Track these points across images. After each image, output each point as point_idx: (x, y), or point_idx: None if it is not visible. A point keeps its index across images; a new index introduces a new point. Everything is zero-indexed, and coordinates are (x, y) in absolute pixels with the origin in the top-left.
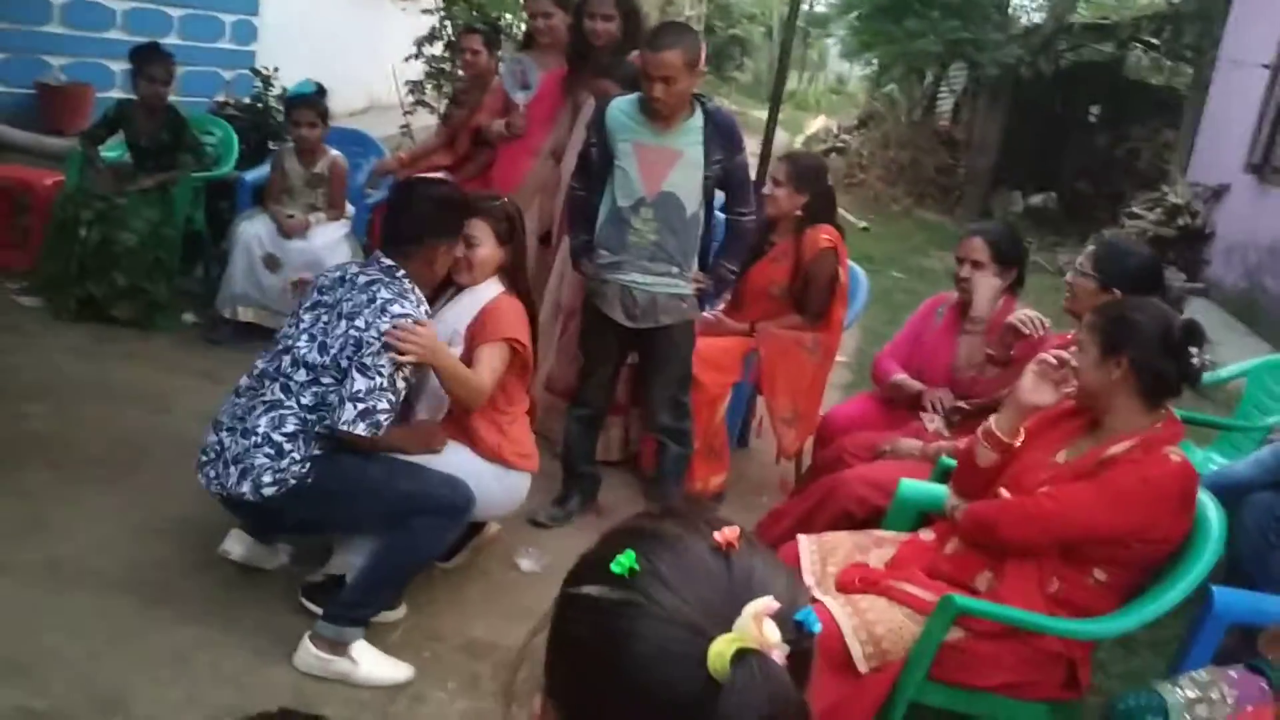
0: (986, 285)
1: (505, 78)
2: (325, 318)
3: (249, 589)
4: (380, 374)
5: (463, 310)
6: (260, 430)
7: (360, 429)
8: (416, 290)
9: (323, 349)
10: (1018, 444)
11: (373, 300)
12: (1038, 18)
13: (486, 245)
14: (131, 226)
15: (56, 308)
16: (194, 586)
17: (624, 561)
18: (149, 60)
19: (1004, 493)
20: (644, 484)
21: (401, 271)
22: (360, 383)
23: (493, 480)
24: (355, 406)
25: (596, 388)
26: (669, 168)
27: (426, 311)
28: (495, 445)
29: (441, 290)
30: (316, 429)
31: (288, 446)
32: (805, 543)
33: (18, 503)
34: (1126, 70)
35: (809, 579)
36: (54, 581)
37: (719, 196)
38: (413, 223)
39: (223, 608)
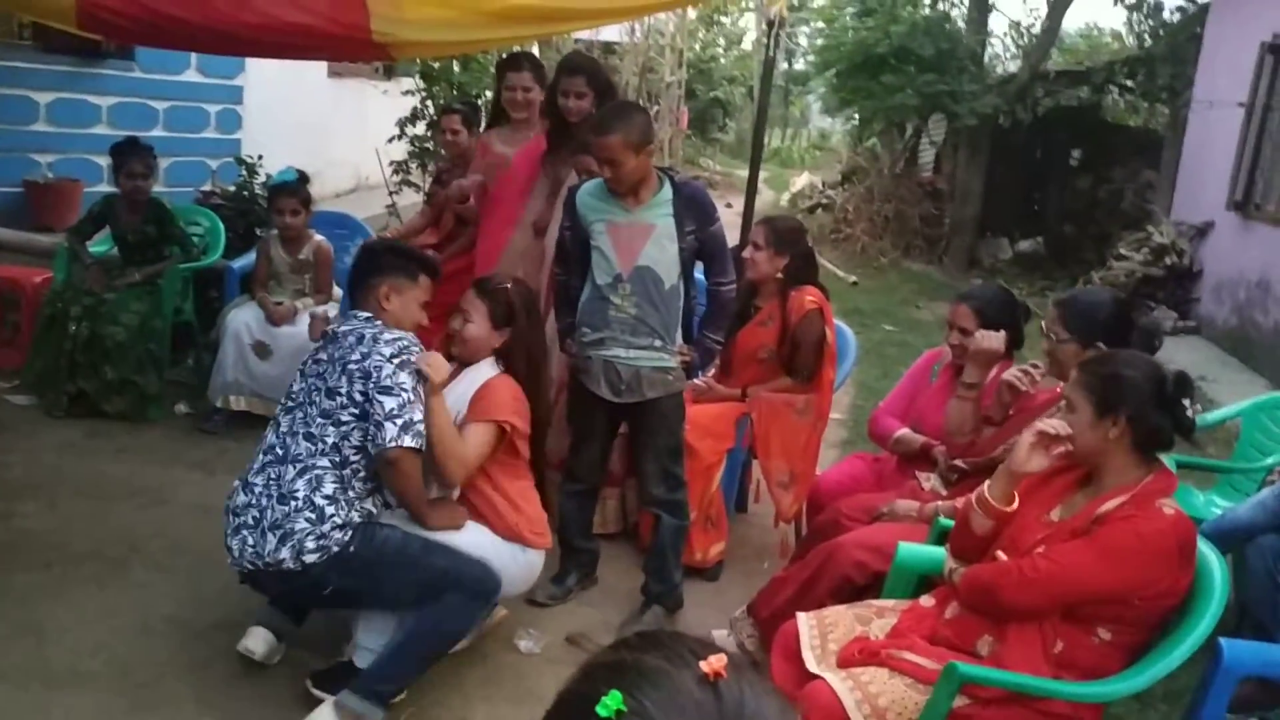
0: (980, 349)
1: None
2: (327, 370)
3: (246, 686)
4: (404, 390)
5: (463, 390)
6: (300, 494)
7: (408, 441)
8: (397, 330)
9: (331, 394)
10: (1011, 510)
11: (362, 338)
12: (1013, 67)
13: (478, 324)
14: (120, 320)
15: (48, 405)
16: (189, 686)
17: (610, 704)
18: (127, 156)
19: (1001, 555)
20: (642, 556)
21: (378, 320)
22: (389, 402)
23: (510, 559)
24: (395, 423)
25: (586, 463)
26: (643, 242)
27: (417, 344)
28: (513, 523)
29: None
30: (354, 483)
31: (329, 510)
32: (805, 621)
33: (10, 605)
34: (1104, 113)
35: (809, 656)
36: (47, 685)
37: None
38: (361, 272)
39: (221, 705)
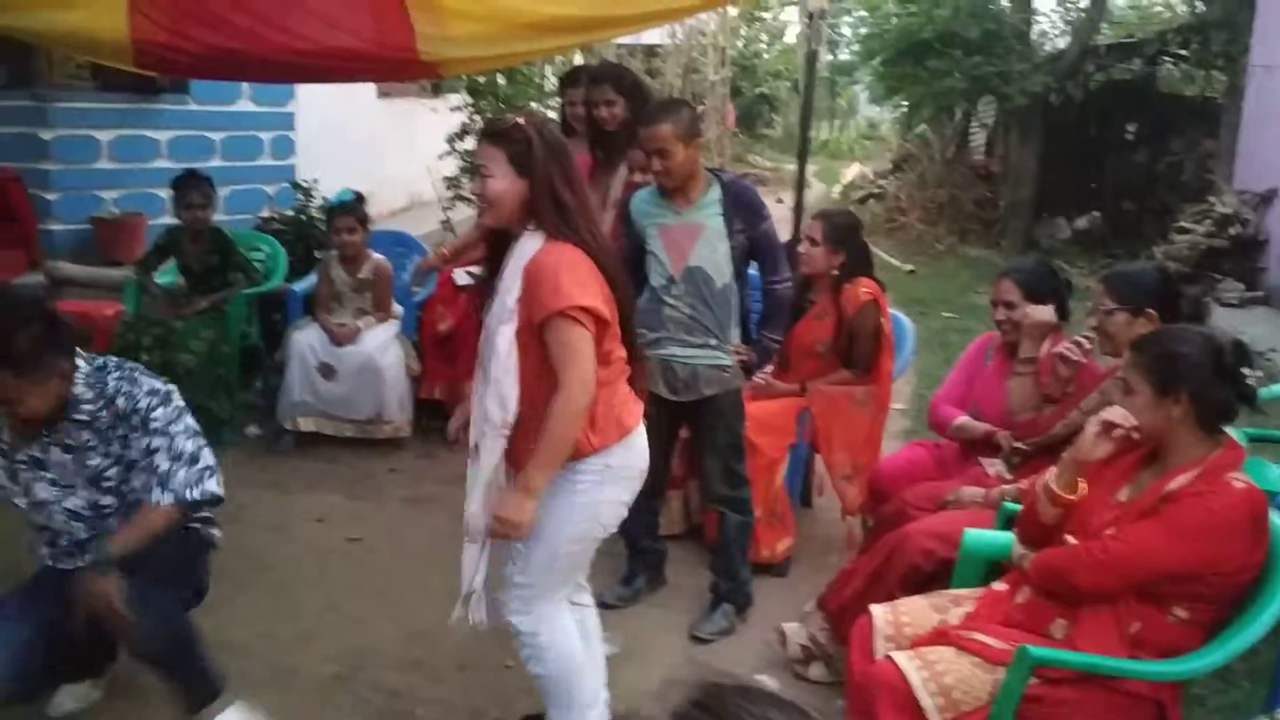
0: (1034, 322)
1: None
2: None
3: (316, 700)
4: (169, 434)
5: (510, 277)
6: None
7: (212, 485)
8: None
9: (92, 479)
10: (1078, 497)
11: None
12: (1062, 43)
13: (499, 176)
14: (190, 348)
15: None
16: (273, 702)
17: None
18: (185, 189)
19: (1070, 538)
20: (708, 556)
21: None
22: (163, 459)
23: (606, 487)
24: (182, 476)
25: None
26: (693, 243)
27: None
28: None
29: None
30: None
31: None
32: (880, 612)
33: None
34: (1159, 84)
35: (881, 647)
36: (134, 702)
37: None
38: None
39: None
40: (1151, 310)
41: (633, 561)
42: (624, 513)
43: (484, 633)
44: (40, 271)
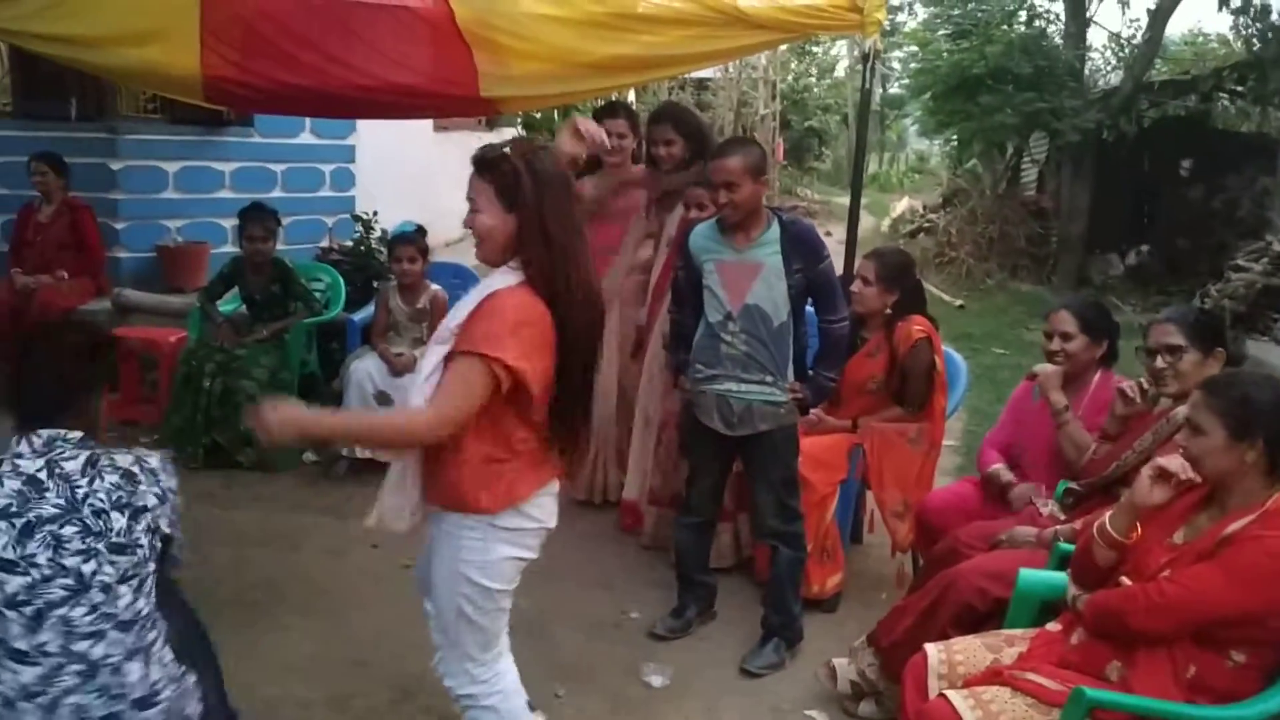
0: (1050, 380)
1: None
2: (68, 530)
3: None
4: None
5: (467, 301)
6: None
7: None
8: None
9: (117, 549)
10: (1133, 541)
11: (124, 473)
12: (1115, 79)
13: (487, 210)
14: (251, 375)
15: (186, 457)
16: None
17: None
18: (248, 222)
19: (1125, 580)
20: (758, 590)
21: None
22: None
23: (493, 546)
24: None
25: (703, 495)
26: (751, 281)
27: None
28: (473, 498)
29: None
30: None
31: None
32: (934, 651)
33: None
34: (1213, 121)
35: (934, 685)
36: None
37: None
38: (64, 385)
39: None
40: (1221, 350)
41: (684, 594)
42: (520, 567)
43: (537, 661)
44: (107, 298)
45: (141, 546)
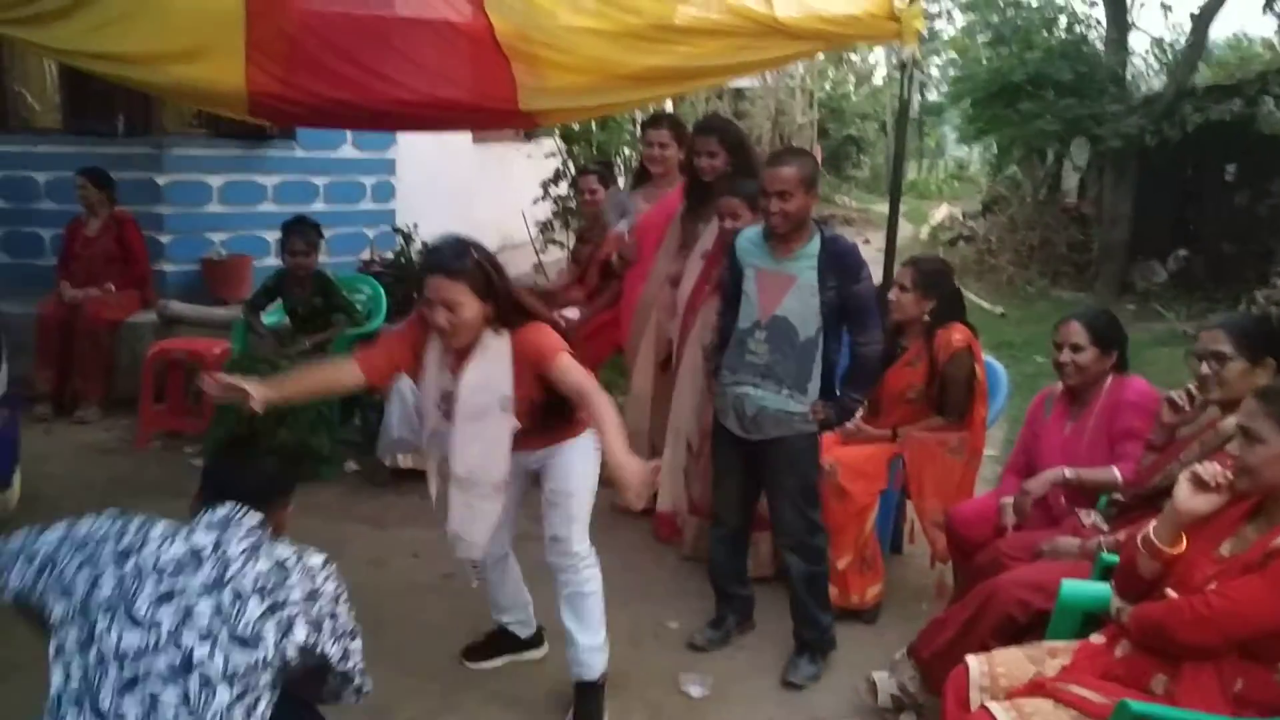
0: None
1: (608, 211)
2: (203, 606)
3: None
4: (346, 635)
5: (493, 375)
6: None
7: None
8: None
9: (238, 643)
10: (1179, 552)
11: (277, 562)
12: (1158, 84)
13: (469, 306)
14: None
15: None
16: None
17: None
18: (290, 234)
19: (1170, 593)
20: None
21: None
22: (345, 660)
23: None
24: (351, 684)
25: (728, 503)
26: (783, 293)
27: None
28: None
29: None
30: None
31: None
32: (975, 662)
33: None
34: (1259, 125)
35: (976, 697)
36: None
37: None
38: (267, 479)
39: None
40: (1271, 360)
41: (721, 604)
42: None
43: None
44: (153, 310)
45: (265, 643)
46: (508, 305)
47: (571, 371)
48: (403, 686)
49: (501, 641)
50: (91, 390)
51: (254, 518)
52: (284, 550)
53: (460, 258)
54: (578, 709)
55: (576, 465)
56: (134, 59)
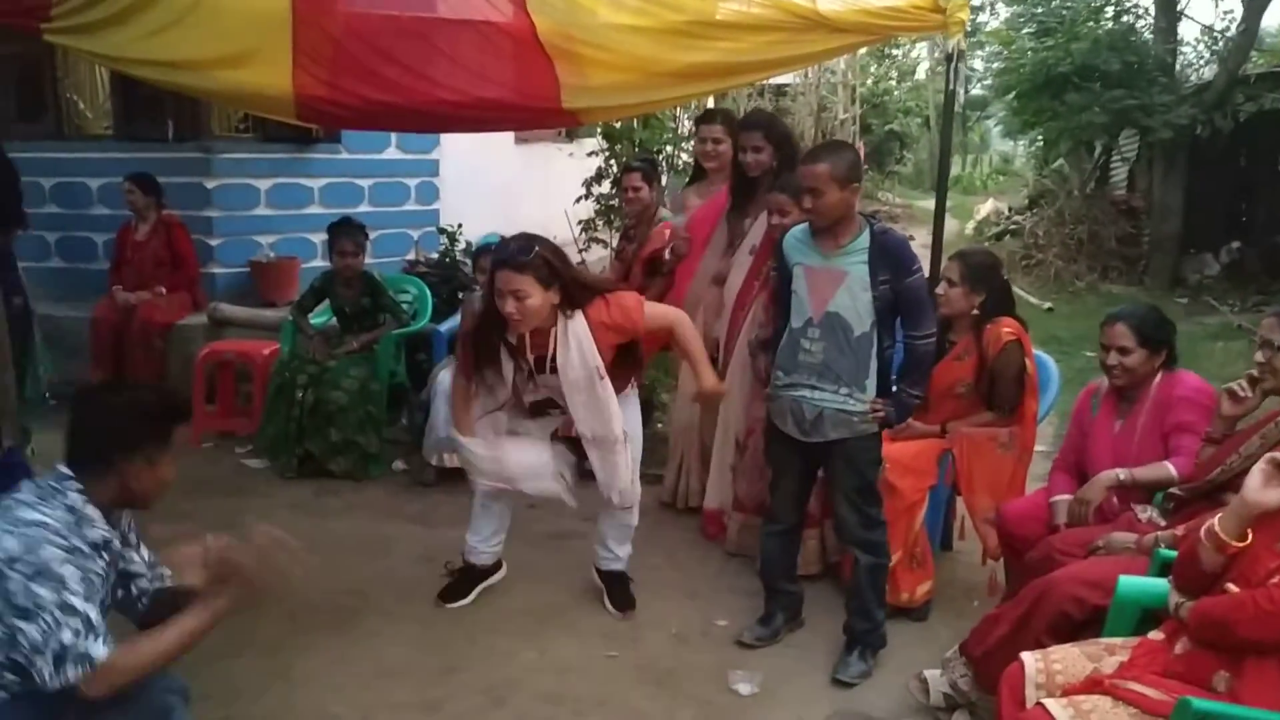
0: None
1: (669, 206)
2: None
3: None
4: (44, 608)
5: (578, 354)
6: None
7: (72, 675)
8: (91, 508)
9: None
10: (1245, 545)
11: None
12: (1208, 74)
13: (535, 295)
14: (342, 386)
15: (279, 467)
16: None
17: None
18: (338, 236)
19: (1231, 587)
20: (845, 596)
21: (77, 486)
22: (31, 632)
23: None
24: (44, 658)
25: (784, 502)
26: (834, 288)
27: (105, 537)
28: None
29: (531, 347)
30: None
31: None
32: (1031, 659)
33: (260, 655)
34: None
35: (1032, 694)
36: None
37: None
38: (98, 437)
39: None
40: None
41: (770, 601)
42: None
43: (625, 669)
44: (204, 313)
45: None
46: (574, 288)
47: (656, 316)
48: (452, 681)
49: (469, 575)
50: None
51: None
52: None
53: (525, 252)
54: (613, 591)
55: (630, 415)
56: (184, 65)
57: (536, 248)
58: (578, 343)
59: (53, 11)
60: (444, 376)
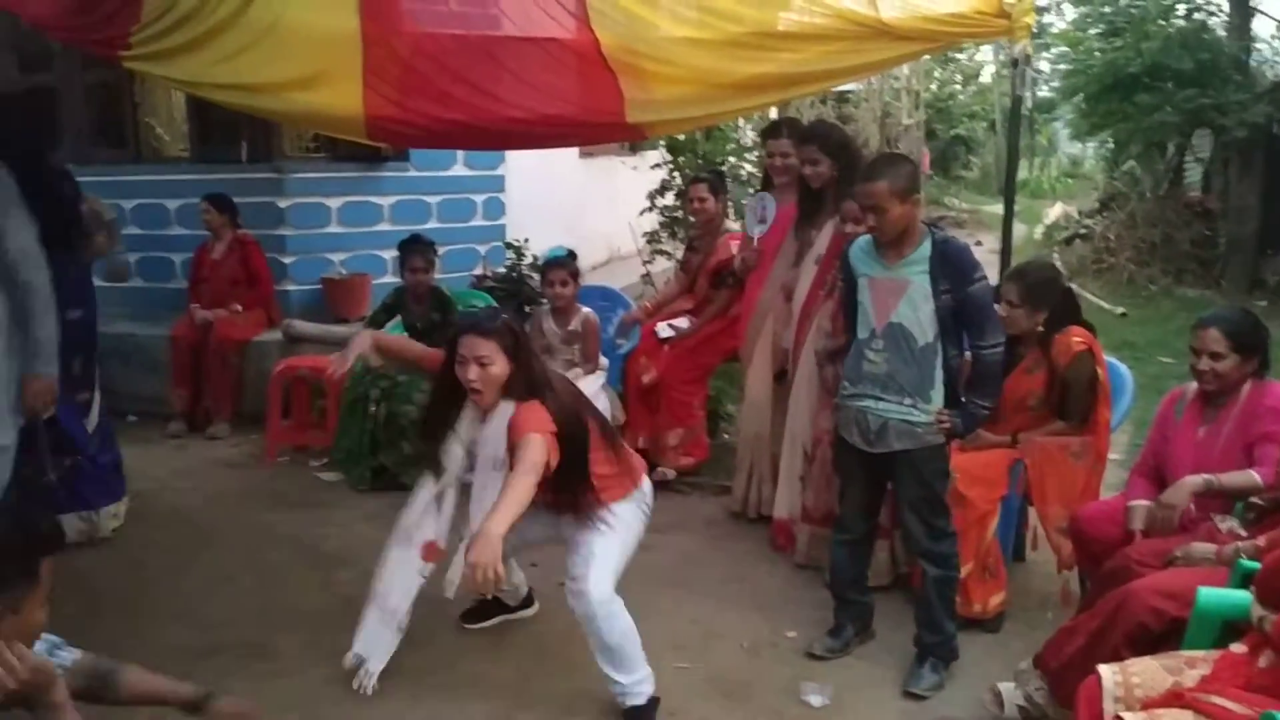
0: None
1: (747, 214)
2: None
3: None
4: None
5: (495, 437)
6: None
7: None
8: None
9: None
10: None
11: None
12: None
13: (498, 363)
14: (414, 399)
15: (354, 479)
16: None
17: None
18: (409, 253)
19: None
20: (915, 608)
21: None
22: None
23: (632, 521)
24: None
25: (853, 512)
26: (897, 299)
27: None
28: (601, 502)
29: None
30: None
31: None
32: (1108, 672)
33: (338, 663)
34: None
35: (1110, 708)
36: None
37: None
38: None
39: None
40: None
41: (840, 613)
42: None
43: (696, 680)
44: (278, 329)
45: None
46: (527, 370)
47: (530, 448)
48: (524, 692)
49: (494, 606)
50: (222, 408)
51: None
52: None
53: (491, 319)
54: None
55: (627, 519)
56: (258, 88)
57: (504, 316)
58: (500, 423)
59: (131, 39)
60: None
